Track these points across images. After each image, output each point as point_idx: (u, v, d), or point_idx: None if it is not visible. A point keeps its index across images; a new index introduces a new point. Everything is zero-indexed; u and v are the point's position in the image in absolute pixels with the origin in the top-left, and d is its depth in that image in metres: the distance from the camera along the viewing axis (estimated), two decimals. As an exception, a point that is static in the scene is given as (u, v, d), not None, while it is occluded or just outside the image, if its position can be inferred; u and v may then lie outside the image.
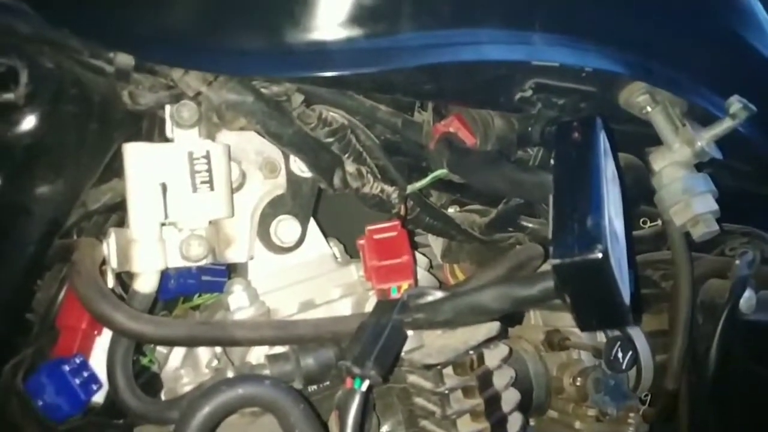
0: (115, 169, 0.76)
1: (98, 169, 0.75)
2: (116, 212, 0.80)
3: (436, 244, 1.13)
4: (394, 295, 0.74)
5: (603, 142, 0.64)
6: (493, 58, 0.70)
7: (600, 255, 0.54)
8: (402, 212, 0.87)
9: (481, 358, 0.78)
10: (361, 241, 0.80)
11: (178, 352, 0.79)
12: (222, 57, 0.66)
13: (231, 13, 0.67)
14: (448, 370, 0.76)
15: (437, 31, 0.68)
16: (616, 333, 1.02)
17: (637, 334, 1.07)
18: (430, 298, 0.69)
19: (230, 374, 0.69)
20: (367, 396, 0.62)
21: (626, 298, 0.59)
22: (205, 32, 0.67)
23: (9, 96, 0.67)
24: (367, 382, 0.62)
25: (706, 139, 0.84)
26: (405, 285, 0.75)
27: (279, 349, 0.75)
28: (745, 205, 1.15)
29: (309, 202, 0.83)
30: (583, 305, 0.58)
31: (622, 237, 0.64)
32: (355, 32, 0.66)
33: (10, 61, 0.66)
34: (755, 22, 0.96)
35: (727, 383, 1.02)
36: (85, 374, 0.73)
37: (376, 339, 0.64)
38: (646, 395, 1.07)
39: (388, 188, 0.86)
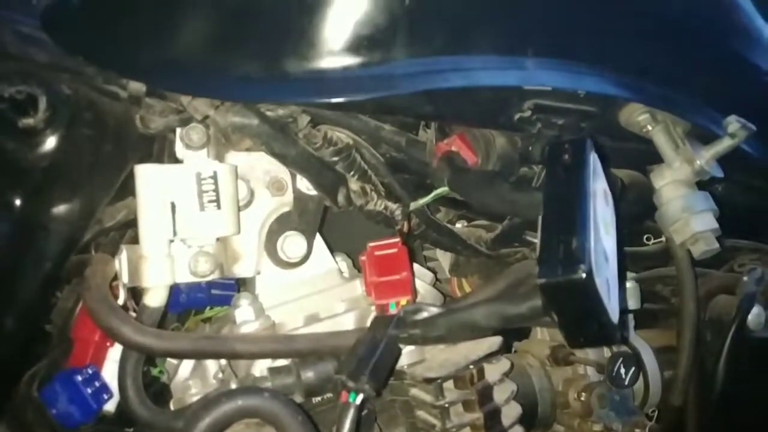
0: (130, 187, 0.79)
1: (113, 188, 0.79)
2: (131, 228, 0.83)
3: (445, 258, 1.14)
4: (393, 310, 0.76)
5: (593, 163, 0.66)
6: (485, 84, 0.71)
7: (583, 276, 0.55)
8: (405, 229, 0.89)
9: (481, 373, 0.79)
10: (363, 258, 0.82)
11: (188, 364, 0.82)
12: (226, 84, 0.69)
13: (234, 43, 0.70)
14: (449, 384, 0.78)
15: (429, 59, 0.70)
16: (621, 349, 1.02)
17: (645, 350, 1.07)
18: (425, 315, 0.70)
19: (233, 386, 0.72)
20: (361, 408, 0.64)
21: (614, 316, 0.60)
22: (209, 61, 0.70)
23: (29, 121, 0.71)
24: (361, 396, 0.64)
25: (705, 157, 0.85)
26: (403, 301, 0.77)
27: (282, 362, 0.77)
28: (754, 221, 1.14)
29: (315, 219, 0.86)
30: (569, 323, 0.59)
31: (612, 256, 0.65)
32: (351, 61, 0.69)
33: (30, 88, 0.71)
34: (757, 39, 0.96)
35: (735, 400, 1.01)
36: (97, 384, 0.76)
37: (372, 354, 0.66)
38: (653, 411, 1.07)
39: (392, 205, 0.88)
